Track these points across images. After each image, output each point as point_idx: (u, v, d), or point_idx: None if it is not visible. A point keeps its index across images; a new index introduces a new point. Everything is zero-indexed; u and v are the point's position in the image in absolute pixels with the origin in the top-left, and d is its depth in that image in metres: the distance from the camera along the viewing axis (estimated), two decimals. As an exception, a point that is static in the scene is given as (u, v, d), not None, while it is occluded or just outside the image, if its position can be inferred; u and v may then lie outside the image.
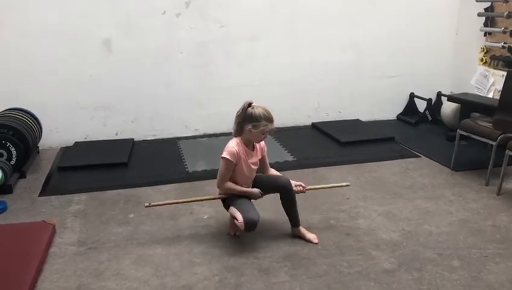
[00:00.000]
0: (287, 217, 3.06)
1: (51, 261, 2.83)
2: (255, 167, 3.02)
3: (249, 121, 2.85)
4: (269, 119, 2.87)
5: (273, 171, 3.18)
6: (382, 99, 5.79)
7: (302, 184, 3.06)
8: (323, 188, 3.34)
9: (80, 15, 4.67)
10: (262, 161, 3.10)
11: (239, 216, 2.82)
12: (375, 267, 2.74)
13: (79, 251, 2.94)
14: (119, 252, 2.93)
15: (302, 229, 3.05)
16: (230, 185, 2.93)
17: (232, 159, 2.86)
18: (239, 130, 2.92)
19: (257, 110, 2.85)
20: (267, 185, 3.03)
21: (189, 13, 4.96)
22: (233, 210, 2.90)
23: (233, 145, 2.90)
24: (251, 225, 2.81)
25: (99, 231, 3.20)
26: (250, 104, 2.89)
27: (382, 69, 5.66)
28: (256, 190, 2.95)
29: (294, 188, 3.00)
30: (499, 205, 3.54)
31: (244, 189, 2.95)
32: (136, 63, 4.93)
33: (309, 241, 2.99)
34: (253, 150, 3.00)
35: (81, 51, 4.76)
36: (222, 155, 2.89)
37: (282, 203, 3.03)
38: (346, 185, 3.36)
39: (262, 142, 3.07)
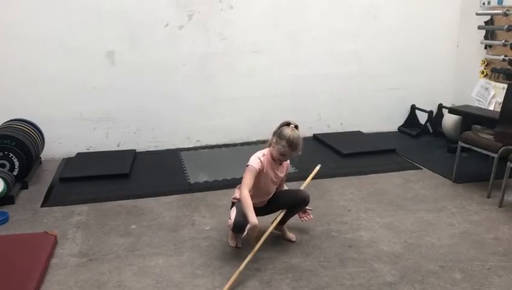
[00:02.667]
0: (280, 216, 3.13)
1: (52, 272, 2.82)
2: (276, 181, 3.02)
3: (276, 135, 2.90)
4: (291, 144, 2.85)
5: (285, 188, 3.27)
6: (383, 111, 5.81)
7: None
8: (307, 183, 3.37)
9: (84, 27, 4.72)
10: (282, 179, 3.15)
11: (233, 216, 2.90)
12: (377, 279, 2.74)
13: (80, 262, 2.94)
14: (120, 263, 2.93)
15: (284, 227, 3.19)
16: (244, 196, 2.79)
17: (256, 167, 2.86)
18: (269, 142, 2.97)
19: (286, 130, 2.87)
20: (286, 197, 3.11)
21: (191, 26, 5.00)
22: (233, 209, 2.96)
23: (258, 154, 2.94)
24: (238, 227, 2.87)
25: (100, 242, 3.20)
26: (288, 124, 2.93)
27: (383, 81, 5.69)
28: (249, 225, 2.70)
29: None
30: (501, 217, 3.54)
31: (249, 211, 2.74)
32: (139, 74, 4.96)
33: (289, 240, 3.14)
34: (280, 165, 3.01)
35: (84, 62, 4.80)
36: (247, 164, 2.90)
37: (290, 209, 3.09)
38: (319, 168, 3.39)
39: (287, 165, 3.10)
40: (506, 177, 3.67)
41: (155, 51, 4.95)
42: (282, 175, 3.07)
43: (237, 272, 2.68)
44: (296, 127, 2.93)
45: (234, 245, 3.08)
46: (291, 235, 3.16)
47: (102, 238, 3.25)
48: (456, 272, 2.81)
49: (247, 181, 2.84)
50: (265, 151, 2.97)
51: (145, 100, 5.04)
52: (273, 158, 2.95)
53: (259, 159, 2.90)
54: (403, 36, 5.61)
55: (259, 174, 2.90)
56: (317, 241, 3.16)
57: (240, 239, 3.08)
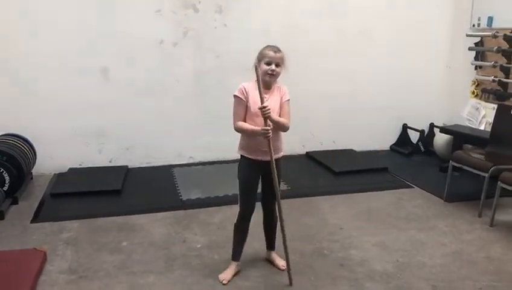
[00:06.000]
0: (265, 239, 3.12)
1: (40, 289, 2.78)
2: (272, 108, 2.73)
3: (257, 59, 2.79)
4: (269, 45, 2.79)
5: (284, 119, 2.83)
6: (376, 130, 5.85)
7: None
8: None
9: (78, 44, 4.74)
10: (281, 109, 2.83)
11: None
12: (369, 298, 2.73)
13: (70, 279, 2.90)
14: (110, 280, 2.89)
15: (274, 254, 3.11)
16: (240, 124, 2.75)
17: (239, 95, 2.74)
18: (255, 68, 2.72)
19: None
20: (263, 193, 2.94)
21: (186, 43, 5.04)
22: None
23: (243, 83, 2.78)
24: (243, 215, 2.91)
25: (91, 259, 3.16)
26: None
27: (376, 100, 5.74)
28: (259, 129, 2.67)
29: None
30: (492, 236, 3.55)
31: (252, 127, 2.72)
32: (133, 91, 4.97)
33: (277, 267, 3.03)
34: (269, 89, 2.79)
35: (78, 78, 4.80)
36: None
37: (263, 223, 3.05)
38: None
39: (284, 90, 2.88)
40: (497, 197, 3.70)
41: (149, 68, 4.98)
42: (276, 104, 2.79)
43: None
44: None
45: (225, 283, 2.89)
46: (281, 264, 3.03)
47: (92, 255, 3.22)
48: (447, 291, 2.81)
49: (235, 111, 2.76)
50: (252, 81, 2.77)
51: (138, 116, 5.04)
52: (267, 83, 2.76)
53: (242, 86, 2.75)
54: (395, 56, 5.68)
55: (248, 105, 2.73)
56: (308, 260, 3.15)
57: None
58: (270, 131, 2.66)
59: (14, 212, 3.93)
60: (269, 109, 2.65)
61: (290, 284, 2.85)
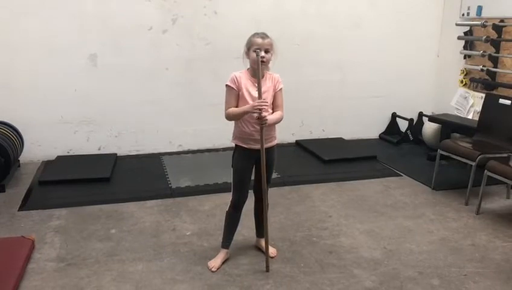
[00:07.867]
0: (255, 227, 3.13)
1: (28, 277, 2.77)
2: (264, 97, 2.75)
3: (246, 47, 2.79)
4: (257, 33, 2.78)
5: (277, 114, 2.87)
6: (365, 119, 5.87)
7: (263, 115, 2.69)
8: None
9: (66, 30, 4.68)
10: (274, 99, 2.86)
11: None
12: (357, 285, 2.76)
13: (58, 267, 2.89)
14: (99, 268, 2.89)
15: (263, 242, 3.03)
16: (231, 110, 2.75)
17: (231, 84, 2.74)
18: (245, 57, 2.81)
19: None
20: (255, 178, 2.94)
21: (175, 30, 4.99)
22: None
23: (235, 72, 2.77)
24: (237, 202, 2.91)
25: (79, 246, 3.15)
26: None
27: (365, 89, 5.76)
28: (249, 106, 2.69)
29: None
30: (478, 224, 3.60)
31: (242, 108, 2.72)
32: (121, 78, 4.93)
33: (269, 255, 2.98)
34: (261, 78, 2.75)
35: (66, 65, 4.74)
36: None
37: (254, 211, 3.05)
38: None
39: (277, 78, 2.91)
40: (483, 185, 3.74)
41: (138, 55, 4.93)
42: (269, 94, 2.80)
43: None
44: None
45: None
46: (271, 251, 3.04)
47: (81, 242, 3.21)
48: (434, 278, 2.85)
49: (227, 100, 2.77)
50: (244, 70, 2.82)
51: (127, 104, 5.00)
52: (253, 69, 2.76)
53: (234, 76, 2.75)
54: (384, 45, 5.69)
55: (240, 94, 2.74)
56: (297, 247, 3.18)
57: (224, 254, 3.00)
58: (266, 103, 2.69)
59: (1, 200, 3.89)
60: (266, 120, 2.69)
61: (267, 270, 2.87)
